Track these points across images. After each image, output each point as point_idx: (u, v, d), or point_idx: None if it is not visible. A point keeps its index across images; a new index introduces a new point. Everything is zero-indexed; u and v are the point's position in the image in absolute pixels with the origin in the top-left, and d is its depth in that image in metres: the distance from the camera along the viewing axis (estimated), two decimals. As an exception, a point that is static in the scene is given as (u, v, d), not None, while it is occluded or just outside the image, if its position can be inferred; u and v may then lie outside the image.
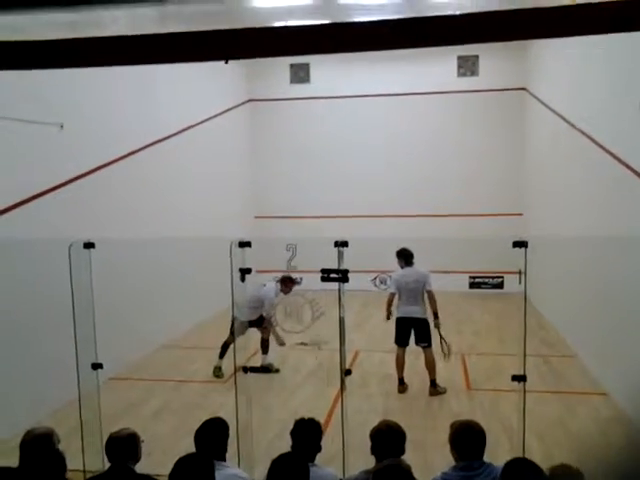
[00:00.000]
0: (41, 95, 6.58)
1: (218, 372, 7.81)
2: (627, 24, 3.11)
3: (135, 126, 8.77)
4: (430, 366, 7.16)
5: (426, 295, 7.14)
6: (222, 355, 7.77)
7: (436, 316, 7.10)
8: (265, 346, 7.91)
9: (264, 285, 7.89)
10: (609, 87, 7.47)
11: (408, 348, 7.26)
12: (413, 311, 7.14)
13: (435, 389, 7.11)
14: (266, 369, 7.65)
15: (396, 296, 7.29)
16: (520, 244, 4.42)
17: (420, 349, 7.21)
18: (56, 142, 6.90)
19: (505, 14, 3.18)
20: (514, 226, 12.60)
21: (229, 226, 11.95)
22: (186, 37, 3.76)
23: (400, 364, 7.27)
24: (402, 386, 7.23)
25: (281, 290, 7.75)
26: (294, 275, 7.81)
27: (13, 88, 6.05)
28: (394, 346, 7.30)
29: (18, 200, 6.27)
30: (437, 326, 7.12)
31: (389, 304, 7.34)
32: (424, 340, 7.14)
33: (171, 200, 9.89)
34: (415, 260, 7.25)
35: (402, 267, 7.26)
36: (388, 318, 7.33)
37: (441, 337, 7.18)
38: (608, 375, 6.97)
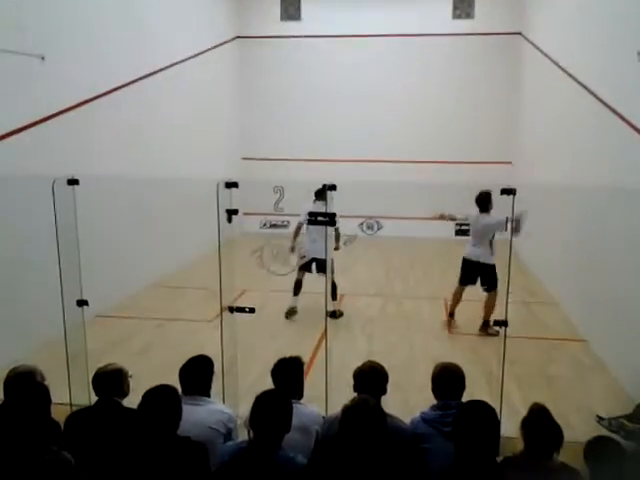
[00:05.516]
0: (21, 24, 6.32)
1: (292, 312, 7.82)
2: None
3: (120, 61, 8.48)
4: (488, 307, 7.30)
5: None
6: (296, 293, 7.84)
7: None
8: (333, 292, 7.50)
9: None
10: (606, 34, 7.31)
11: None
12: (476, 254, 7.36)
13: (485, 329, 7.27)
14: (333, 314, 7.01)
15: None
16: (508, 191, 4.37)
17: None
18: (37, 75, 6.66)
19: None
20: (503, 175, 12.56)
21: (215, 167, 11.80)
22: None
23: (456, 299, 7.50)
24: (451, 318, 7.45)
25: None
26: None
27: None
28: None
29: (-2, 134, 6.11)
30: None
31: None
32: (486, 283, 7.27)
33: (156, 138, 9.70)
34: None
35: (480, 212, 7.35)
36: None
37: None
38: (588, 323, 7.12)
